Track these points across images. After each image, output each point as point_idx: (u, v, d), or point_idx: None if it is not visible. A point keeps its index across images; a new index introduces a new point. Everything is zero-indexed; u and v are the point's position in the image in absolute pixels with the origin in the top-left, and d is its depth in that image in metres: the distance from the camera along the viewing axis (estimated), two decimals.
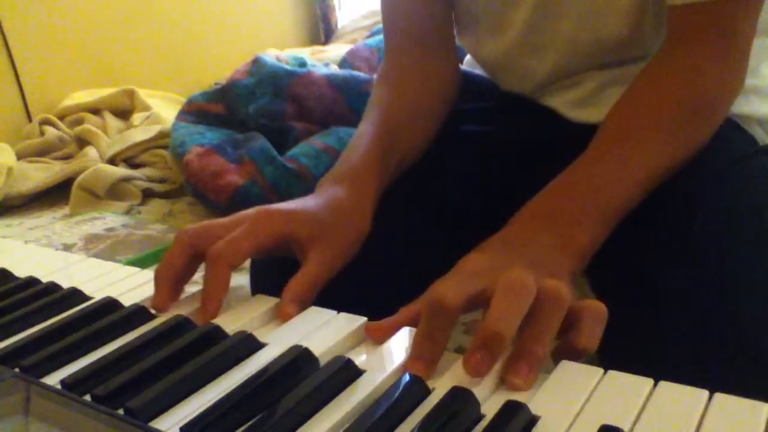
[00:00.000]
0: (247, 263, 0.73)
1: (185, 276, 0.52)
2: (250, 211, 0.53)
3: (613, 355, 0.44)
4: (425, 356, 0.39)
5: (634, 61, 0.67)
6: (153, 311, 0.50)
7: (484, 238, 0.50)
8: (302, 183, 1.37)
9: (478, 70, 0.81)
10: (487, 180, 0.73)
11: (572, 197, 0.52)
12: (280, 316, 0.47)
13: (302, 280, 0.50)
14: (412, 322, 0.44)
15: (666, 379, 0.36)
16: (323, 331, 0.45)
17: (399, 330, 0.44)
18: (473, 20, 0.74)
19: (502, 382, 0.38)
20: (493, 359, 0.37)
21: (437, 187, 0.70)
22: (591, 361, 0.39)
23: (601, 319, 0.40)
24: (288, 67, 1.63)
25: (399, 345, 0.43)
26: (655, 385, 0.36)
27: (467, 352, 0.37)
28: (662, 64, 0.58)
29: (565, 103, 0.71)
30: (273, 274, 0.57)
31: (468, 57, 0.84)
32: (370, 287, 0.56)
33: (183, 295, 0.52)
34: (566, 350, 0.39)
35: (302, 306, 0.48)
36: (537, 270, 0.42)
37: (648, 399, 0.35)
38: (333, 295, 0.50)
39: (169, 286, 0.50)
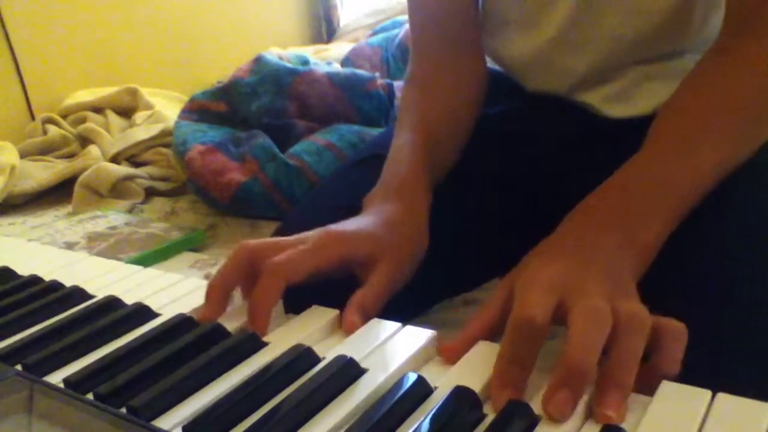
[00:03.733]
0: None
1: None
2: (313, 232, 0.51)
3: None
4: (515, 383, 0.37)
5: (673, 56, 0.66)
6: (156, 311, 0.50)
7: (515, 243, 0.49)
8: (304, 180, 1.37)
9: (495, 67, 0.79)
10: (518, 183, 0.71)
11: (637, 193, 0.49)
12: (344, 327, 0.46)
13: (367, 293, 0.49)
14: (486, 335, 0.42)
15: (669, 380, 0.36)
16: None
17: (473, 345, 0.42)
18: (501, 19, 0.73)
19: (590, 415, 0.35)
20: (577, 397, 0.34)
21: (468, 192, 0.69)
22: None
23: (681, 340, 0.38)
24: (290, 66, 1.62)
25: (401, 343, 0.43)
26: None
27: (548, 390, 0.35)
28: (723, 56, 0.56)
29: (600, 99, 0.69)
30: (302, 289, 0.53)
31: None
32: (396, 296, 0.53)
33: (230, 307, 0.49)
34: (648, 376, 0.37)
35: (366, 318, 0.46)
36: (610, 284, 0.40)
37: (651, 399, 0.35)
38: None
39: (220, 299, 0.48)
